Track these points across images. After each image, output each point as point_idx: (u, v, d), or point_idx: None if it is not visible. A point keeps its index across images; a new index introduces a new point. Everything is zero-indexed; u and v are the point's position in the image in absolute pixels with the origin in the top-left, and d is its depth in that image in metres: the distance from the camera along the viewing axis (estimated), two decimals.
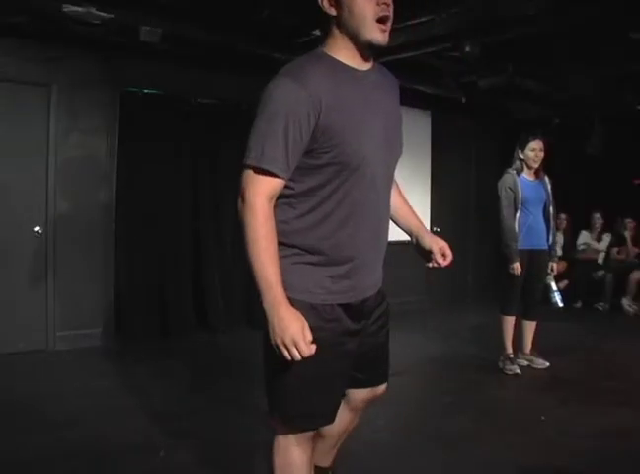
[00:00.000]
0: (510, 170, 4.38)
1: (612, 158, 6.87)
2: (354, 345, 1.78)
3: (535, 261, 4.37)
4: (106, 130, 5.06)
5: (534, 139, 4.31)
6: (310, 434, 1.81)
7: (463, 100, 6.38)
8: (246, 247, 1.58)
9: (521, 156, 4.35)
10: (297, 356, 1.55)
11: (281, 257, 1.62)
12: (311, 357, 1.57)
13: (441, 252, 1.96)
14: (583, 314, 6.83)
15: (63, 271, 4.86)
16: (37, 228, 4.77)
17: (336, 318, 1.71)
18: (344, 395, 1.92)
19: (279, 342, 1.56)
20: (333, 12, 1.62)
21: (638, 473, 2.77)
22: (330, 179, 1.63)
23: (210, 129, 5.55)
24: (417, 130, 7.16)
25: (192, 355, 4.79)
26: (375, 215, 1.75)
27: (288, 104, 1.54)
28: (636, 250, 7.23)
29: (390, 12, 1.62)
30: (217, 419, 3.32)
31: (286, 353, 1.55)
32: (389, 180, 1.82)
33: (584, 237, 7.51)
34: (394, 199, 1.96)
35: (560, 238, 7.32)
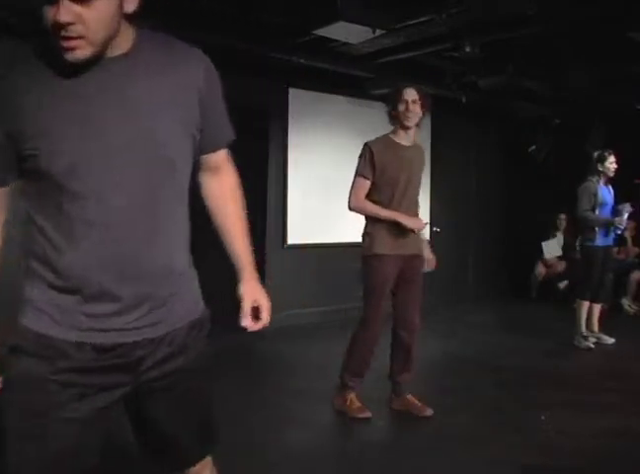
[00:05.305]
0: (592, 179, 5.19)
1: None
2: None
3: (606, 256, 5.19)
4: None
5: (610, 154, 5.21)
6: None
7: (464, 100, 6.38)
8: None
9: (600, 168, 5.20)
10: None
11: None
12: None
13: (254, 311, 1.52)
14: None
15: None
16: None
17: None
18: None
19: None
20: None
21: (638, 473, 2.77)
22: None
23: None
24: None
25: None
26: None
27: None
28: (636, 250, 7.23)
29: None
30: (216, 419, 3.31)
31: None
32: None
33: None
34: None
35: (560, 238, 7.33)
